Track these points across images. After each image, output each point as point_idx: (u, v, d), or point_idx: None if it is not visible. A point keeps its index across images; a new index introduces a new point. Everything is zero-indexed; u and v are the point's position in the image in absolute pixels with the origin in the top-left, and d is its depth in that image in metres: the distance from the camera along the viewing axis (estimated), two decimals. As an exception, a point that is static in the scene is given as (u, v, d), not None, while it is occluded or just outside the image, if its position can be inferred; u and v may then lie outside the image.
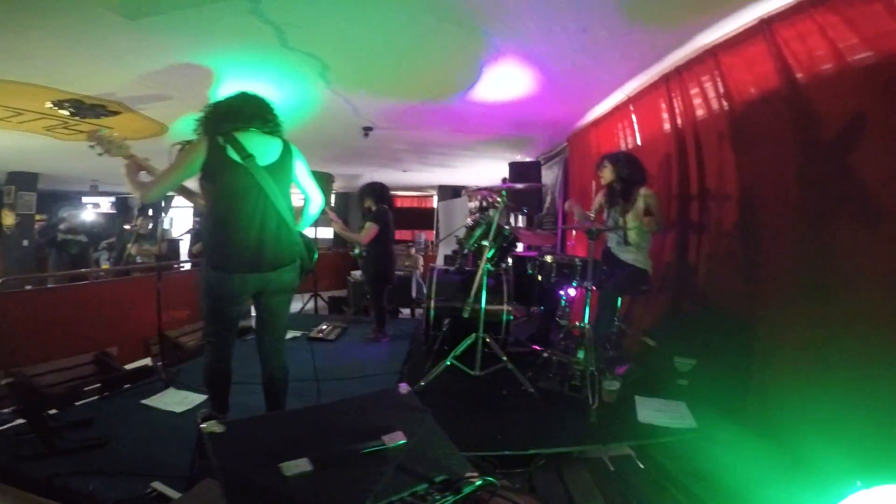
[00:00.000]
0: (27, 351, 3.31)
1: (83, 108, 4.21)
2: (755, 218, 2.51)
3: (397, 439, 1.24)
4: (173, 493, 1.65)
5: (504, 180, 2.88)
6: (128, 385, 2.96)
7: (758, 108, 2.48)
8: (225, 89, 3.44)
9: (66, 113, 4.26)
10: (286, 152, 2.03)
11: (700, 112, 2.97)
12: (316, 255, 2.27)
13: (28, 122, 4.73)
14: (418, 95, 4.00)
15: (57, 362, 3.23)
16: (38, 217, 8.31)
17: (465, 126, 4.99)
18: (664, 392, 2.56)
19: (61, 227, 5.56)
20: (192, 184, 2.14)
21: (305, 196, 2.22)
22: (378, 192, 4.15)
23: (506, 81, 3.58)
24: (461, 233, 3.65)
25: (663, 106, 3.34)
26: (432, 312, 3.28)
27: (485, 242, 2.77)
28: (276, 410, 2.11)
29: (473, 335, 2.73)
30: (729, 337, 2.53)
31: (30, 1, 2.41)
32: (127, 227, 6.69)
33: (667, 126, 3.32)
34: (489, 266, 2.83)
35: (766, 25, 2.30)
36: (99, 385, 3.16)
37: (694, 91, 3.00)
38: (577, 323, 2.87)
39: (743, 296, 2.54)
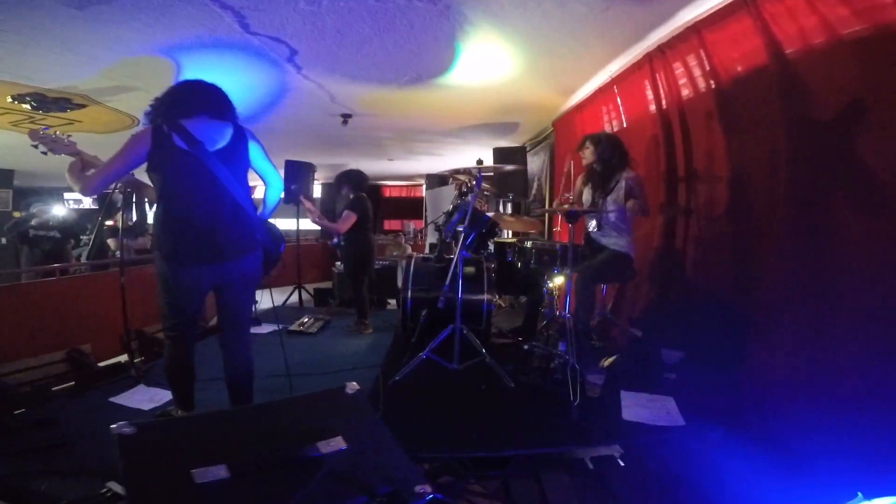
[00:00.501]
0: (-2, 348, 3.20)
1: (46, 102, 4.04)
2: (746, 201, 2.41)
3: (336, 446, 1.12)
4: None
5: (479, 162, 2.75)
6: (100, 383, 2.88)
7: (746, 87, 2.38)
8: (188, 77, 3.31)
9: (27, 107, 4.08)
10: (238, 137, 1.94)
11: (686, 92, 2.86)
12: (283, 245, 2.19)
13: (-9, 117, 4.56)
14: (394, 80, 3.86)
15: (27, 360, 3.14)
16: (15, 214, 8.10)
17: (448, 112, 4.85)
18: (651, 386, 2.44)
19: (32, 222, 5.37)
20: (145, 176, 2.04)
21: (264, 181, 2.13)
22: (355, 179, 4.02)
23: (484, 63, 3.44)
24: (442, 220, 3.55)
25: (648, 86, 3.23)
26: (409, 303, 3.18)
27: (460, 228, 2.67)
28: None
29: (451, 326, 2.63)
30: (720, 327, 2.42)
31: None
32: (109, 223, 6.53)
33: (652, 107, 3.20)
34: (466, 253, 2.73)
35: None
36: (72, 383, 3.08)
37: (679, 70, 2.89)
38: (557, 312, 2.78)
39: (735, 283, 2.44)
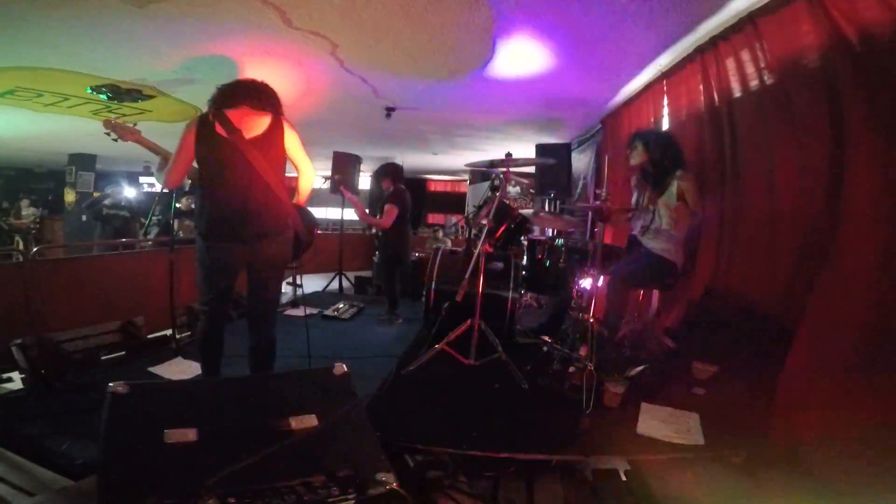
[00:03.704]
0: (62, 316, 3.53)
1: (120, 93, 4.41)
2: (802, 209, 2.19)
3: (308, 423, 1.15)
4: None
5: (508, 155, 2.69)
6: (147, 353, 3.12)
7: (806, 81, 2.15)
8: (245, 73, 3.50)
9: (104, 97, 4.47)
10: (275, 126, 2.07)
11: (740, 87, 2.64)
12: (315, 231, 2.29)
13: (75, 107, 5.02)
14: (433, 74, 3.85)
15: (86, 329, 3.45)
16: (95, 194, 8.94)
17: (490, 106, 4.79)
18: (676, 401, 2.29)
19: (106, 202, 5.92)
20: None
21: (297, 169, 2.25)
22: (394, 172, 4.09)
23: (523, 57, 3.35)
24: (472, 214, 3.53)
25: (700, 81, 3.02)
26: (432, 295, 3.18)
27: (484, 221, 2.63)
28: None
29: (469, 321, 2.61)
30: (760, 343, 2.23)
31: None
32: (178, 205, 7.06)
33: (703, 103, 2.99)
34: (490, 247, 2.69)
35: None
36: (122, 353, 3.35)
37: (732, 64, 2.67)
38: (582, 315, 2.68)
39: (782, 297, 2.24)
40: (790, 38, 2.21)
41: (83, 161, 8.77)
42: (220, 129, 1.95)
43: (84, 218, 8.33)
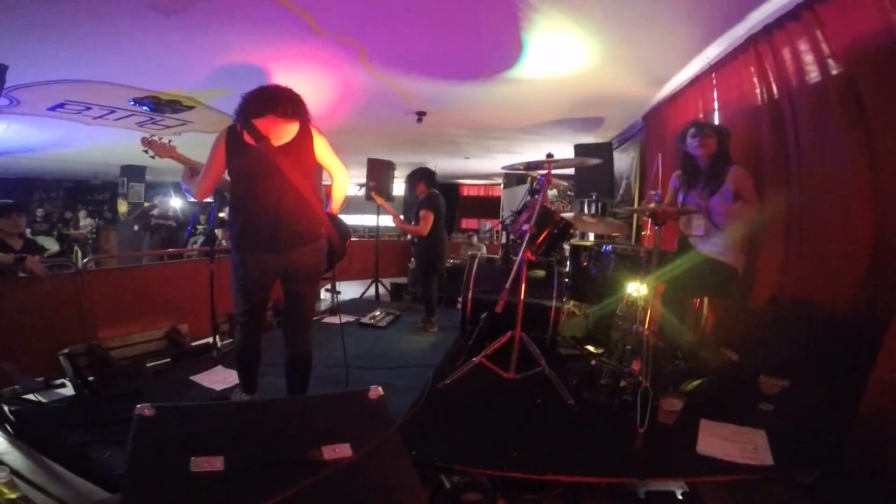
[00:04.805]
0: (110, 324, 3.65)
1: (161, 104, 4.57)
2: (881, 206, 2.00)
3: (341, 453, 1.08)
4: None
5: (548, 156, 2.55)
6: (190, 361, 3.17)
7: (880, 69, 1.94)
8: (276, 81, 3.53)
9: (146, 109, 4.65)
10: (303, 133, 2.03)
11: (801, 79, 2.42)
12: (349, 239, 2.24)
13: (122, 119, 5.25)
14: (461, 76, 3.79)
15: (133, 336, 3.56)
16: (146, 205, 9.38)
17: (523, 108, 4.67)
18: (741, 418, 2.10)
19: (154, 212, 6.17)
20: None
21: (330, 175, 2.21)
22: (427, 176, 4.02)
23: (557, 54, 3.22)
24: (510, 219, 3.40)
25: (753, 73, 2.80)
26: (470, 304, 3.08)
27: (525, 227, 2.51)
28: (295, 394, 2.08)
29: (510, 333, 2.49)
30: (837, 354, 2.02)
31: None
32: (221, 214, 7.31)
33: (759, 97, 2.77)
34: (532, 254, 2.56)
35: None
36: (168, 360, 3.43)
37: (790, 54, 2.46)
38: (635, 326, 2.50)
39: (864, 302, 2.03)
40: (855, 24, 2.01)
41: (134, 172, 9.23)
42: (248, 139, 1.93)
43: (136, 228, 8.77)
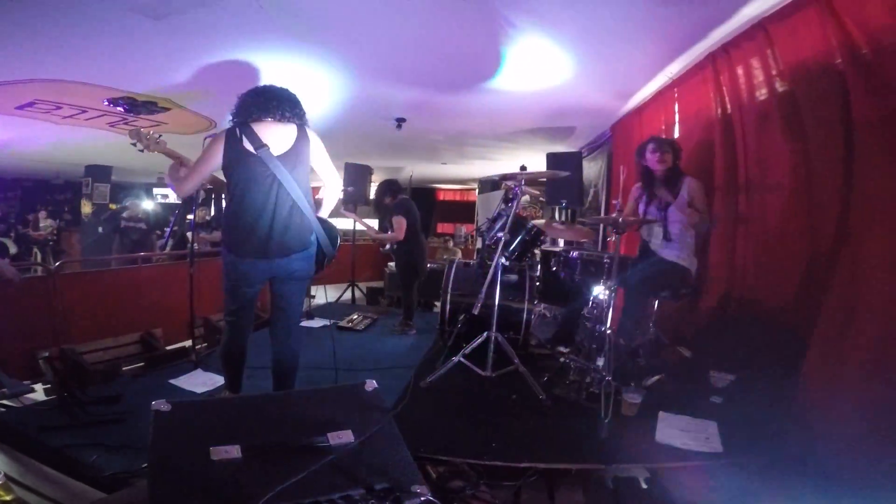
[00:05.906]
0: (83, 328, 3.59)
1: (136, 105, 4.51)
2: (814, 214, 2.21)
3: (344, 438, 1.19)
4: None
5: (522, 168, 2.71)
6: (165, 365, 3.16)
7: (816, 87, 2.16)
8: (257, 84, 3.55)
9: (121, 109, 4.58)
10: (302, 139, 2.06)
11: (751, 94, 2.65)
12: (338, 243, 2.26)
13: (93, 119, 5.14)
14: (440, 85, 3.91)
15: (106, 340, 3.51)
16: (112, 206, 9.09)
17: (500, 117, 4.83)
18: (694, 409, 2.29)
19: (124, 214, 6.05)
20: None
21: (323, 181, 2.25)
22: (391, 187, 4.09)
23: (533, 68, 3.39)
24: (485, 226, 3.54)
25: (711, 89, 3.03)
26: (447, 307, 3.20)
27: (500, 234, 2.65)
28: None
29: (486, 333, 2.62)
30: (777, 350, 2.24)
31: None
32: (190, 217, 7.17)
33: (714, 111, 3.00)
34: (506, 260, 2.71)
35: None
36: (142, 364, 3.41)
37: (743, 71, 2.69)
38: (598, 326, 2.68)
39: (797, 302, 2.24)
40: (801, 45, 2.22)
41: (99, 172, 8.93)
42: (247, 145, 1.95)
43: (101, 230, 8.50)
